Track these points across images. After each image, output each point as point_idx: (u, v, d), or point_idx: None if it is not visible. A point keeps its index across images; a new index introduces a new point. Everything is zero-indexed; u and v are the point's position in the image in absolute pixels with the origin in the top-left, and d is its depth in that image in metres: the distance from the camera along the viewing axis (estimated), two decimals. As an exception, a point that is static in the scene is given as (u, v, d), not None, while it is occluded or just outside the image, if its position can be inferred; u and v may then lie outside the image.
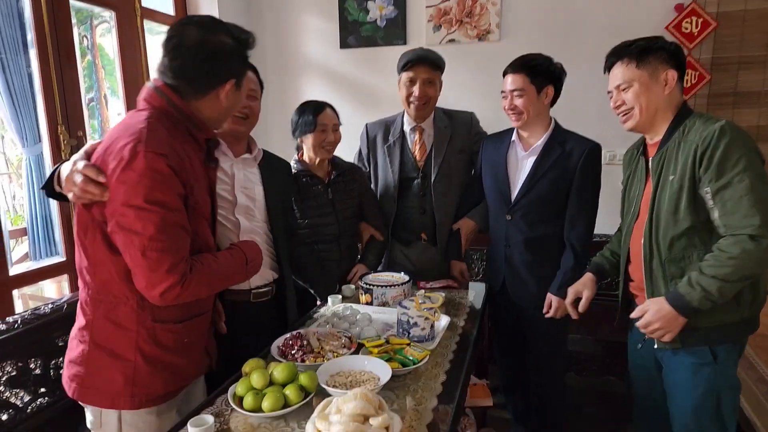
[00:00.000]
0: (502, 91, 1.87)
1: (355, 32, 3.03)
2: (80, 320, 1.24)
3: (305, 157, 2.02)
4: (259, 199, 1.66)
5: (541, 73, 1.81)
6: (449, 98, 2.12)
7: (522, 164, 1.91)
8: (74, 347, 1.24)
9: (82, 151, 1.19)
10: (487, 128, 2.20)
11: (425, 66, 1.99)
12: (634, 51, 1.45)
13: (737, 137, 1.30)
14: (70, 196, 1.14)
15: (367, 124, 2.25)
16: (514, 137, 1.94)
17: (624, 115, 1.50)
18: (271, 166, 1.73)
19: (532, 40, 2.75)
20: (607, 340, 2.52)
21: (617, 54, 1.49)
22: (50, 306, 1.68)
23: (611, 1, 2.67)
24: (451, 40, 2.86)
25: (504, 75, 1.88)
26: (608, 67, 1.53)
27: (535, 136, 1.89)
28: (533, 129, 1.89)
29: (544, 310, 1.88)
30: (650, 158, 1.50)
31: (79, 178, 1.10)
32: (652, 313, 1.40)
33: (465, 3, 2.83)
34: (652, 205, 1.44)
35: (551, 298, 1.86)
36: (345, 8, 3.01)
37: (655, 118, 1.47)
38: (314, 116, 1.92)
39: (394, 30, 2.96)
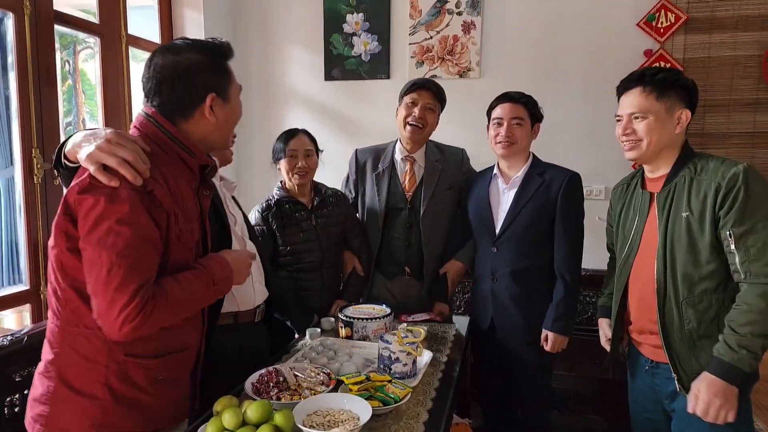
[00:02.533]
0: (496, 119, 1.90)
1: (339, 65, 3.07)
2: (47, 354, 1.15)
3: (286, 184, 2.02)
4: (240, 221, 1.65)
5: (534, 110, 1.90)
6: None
7: (504, 197, 1.93)
8: (38, 384, 1.15)
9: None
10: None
11: (429, 92, 2.03)
12: (658, 82, 1.38)
13: (761, 181, 1.28)
14: (92, 168, 1.04)
15: (356, 150, 2.24)
16: (495, 171, 1.97)
17: (630, 143, 1.44)
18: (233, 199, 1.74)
19: (510, 77, 2.84)
20: (590, 376, 2.49)
21: (639, 79, 1.41)
22: (9, 338, 1.59)
23: (585, 43, 2.78)
24: (433, 76, 2.92)
25: (494, 106, 1.92)
26: (624, 90, 1.45)
27: (515, 169, 1.92)
28: (514, 161, 1.92)
29: (542, 344, 1.85)
30: (656, 192, 1.44)
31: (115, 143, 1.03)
32: (707, 395, 1.27)
33: (446, 41, 2.91)
34: (663, 242, 1.38)
35: (547, 333, 1.84)
36: (330, 42, 3.06)
37: (660, 153, 1.42)
38: (285, 143, 1.95)
39: (378, 65, 3.01)
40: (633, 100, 1.42)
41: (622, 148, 1.47)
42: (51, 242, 1.11)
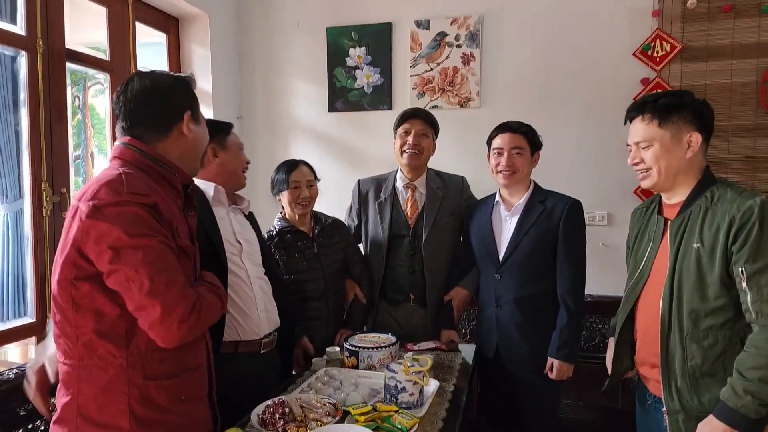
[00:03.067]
0: (496, 149, 1.93)
1: (342, 97, 3.14)
2: (62, 400, 1.13)
3: (287, 215, 2.04)
4: (255, 245, 1.69)
5: (533, 139, 1.94)
6: (432, 160, 2.19)
7: (506, 224, 1.95)
8: (59, 428, 1.12)
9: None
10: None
11: (420, 120, 2.10)
12: (658, 108, 1.35)
13: None
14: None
15: (359, 180, 2.28)
16: (497, 198, 1.99)
17: (641, 173, 1.41)
18: (251, 215, 1.80)
19: (510, 106, 2.88)
20: (598, 405, 2.45)
21: (639, 108, 1.39)
22: (14, 371, 1.58)
23: (582, 72, 2.83)
24: (435, 106, 2.98)
25: (494, 136, 1.96)
26: (629, 119, 1.44)
27: (517, 196, 1.94)
28: (516, 189, 1.94)
29: (546, 371, 1.83)
30: (670, 220, 1.39)
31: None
32: None
33: (447, 73, 2.98)
34: (672, 272, 1.33)
35: (552, 360, 1.82)
36: (334, 75, 3.14)
37: (675, 180, 1.38)
38: (287, 174, 1.98)
39: (380, 96, 3.08)
40: (637, 128, 1.40)
41: (638, 178, 1.44)
42: (55, 282, 1.11)
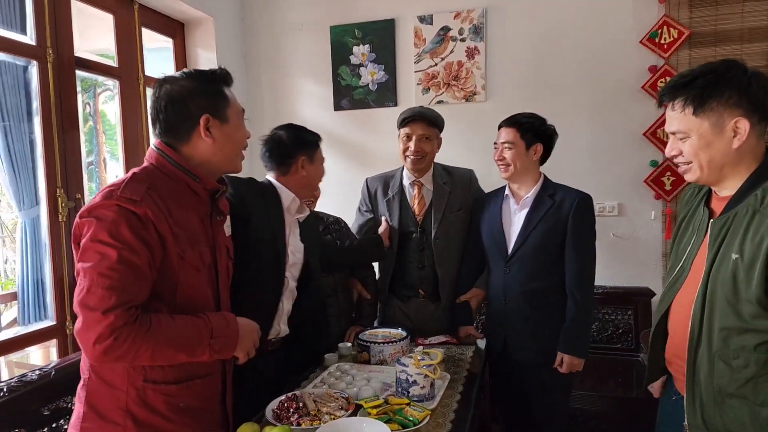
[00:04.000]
0: (495, 143, 1.95)
1: (347, 96, 3.15)
2: (82, 380, 1.20)
3: None
4: (300, 259, 1.74)
5: (531, 131, 1.90)
6: (439, 155, 2.19)
7: (515, 217, 1.94)
8: (75, 408, 1.19)
9: None
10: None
11: (421, 123, 2.06)
12: (692, 94, 1.13)
13: None
14: None
15: (367, 179, 2.29)
16: (507, 191, 1.99)
17: (682, 166, 1.21)
18: (306, 221, 1.82)
19: (515, 99, 2.87)
20: (613, 396, 2.44)
21: (670, 93, 1.17)
22: (37, 372, 1.63)
23: (589, 62, 2.82)
24: (440, 101, 2.98)
25: (498, 129, 1.96)
26: (661, 104, 1.24)
27: (525, 189, 1.94)
28: (523, 182, 1.94)
29: (555, 365, 1.84)
30: (713, 218, 1.19)
31: None
32: None
33: (451, 67, 2.98)
34: (705, 282, 1.15)
35: (561, 355, 1.83)
36: (338, 74, 3.15)
37: (722, 172, 1.16)
38: None
39: (385, 93, 3.09)
40: (670, 117, 1.18)
41: (679, 171, 1.25)
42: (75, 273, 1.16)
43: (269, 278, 1.62)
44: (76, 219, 1.10)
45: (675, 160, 1.22)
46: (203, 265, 1.22)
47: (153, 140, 1.27)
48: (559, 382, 1.87)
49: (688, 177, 1.21)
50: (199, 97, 1.22)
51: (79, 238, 1.10)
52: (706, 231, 1.20)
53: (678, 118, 1.16)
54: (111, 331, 1.02)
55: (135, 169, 1.20)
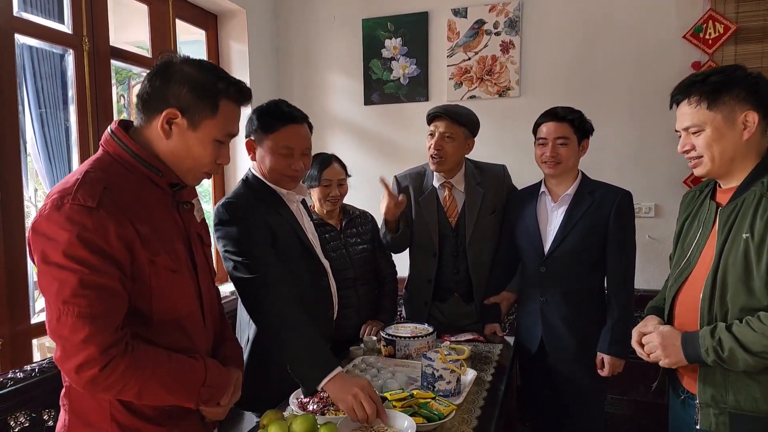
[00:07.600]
0: (540, 138, 1.86)
1: (378, 90, 3.13)
2: (64, 387, 1.10)
3: (315, 209, 2.06)
4: (317, 240, 1.75)
5: (581, 126, 1.84)
6: (471, 151, 2.14)
7: (552, 215, 1.88)
8: (60, 418, 1.12)
9: None
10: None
11: (445, 120, 1.97)
12: (706, 90, 1.23)
13: None
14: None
15: (396, 176, 2.22)
16: (543, 189, 1.93)
17: (692, 160, 1.31)
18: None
19: (550, 95, 2.78)
20: (641, 401, 2.35)
21: (684, 91, 1.28)
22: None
23: (629, 57, 2.72)
24: (472, 96, 2.93)
25: (539, 124, 1.88)
26: (675, 103, 1.33)
27: (564, 186, 1.87)
28: (563, 179, 1.87)
29: (598, 369, 1.77)
30: (721, 207, 1.28)
31: None
32: (659, 334, 1.27)
33: (485, 61, 2.92)
34: (716, 264, 1.22)
35: (603, 356, 1.77)
36: (369, 68, 3.13)
37: (731, 165, 1.26)
38: (320, 171, 1.98)
39: (417, 87, 3.05)
40: (684, 113, 1.28)
41: (689, 165, 1.34)
42: None
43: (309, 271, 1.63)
44: (29, 230, 0.97)
45: (687, 156, 1.31)
46: (180, 264, 1.10)
47: (112, 123, 1.12)
48: (596, 384, 1.81)
49: (698, 171, 1.29)
50: (183, 87, 1.06)
51: (32, 253, 0.97)
52: (714, 222, 1.28)
53: (692, 113, 1.25)
54: (91, 360, 0.93)
55: (87, 165, 1.04)
